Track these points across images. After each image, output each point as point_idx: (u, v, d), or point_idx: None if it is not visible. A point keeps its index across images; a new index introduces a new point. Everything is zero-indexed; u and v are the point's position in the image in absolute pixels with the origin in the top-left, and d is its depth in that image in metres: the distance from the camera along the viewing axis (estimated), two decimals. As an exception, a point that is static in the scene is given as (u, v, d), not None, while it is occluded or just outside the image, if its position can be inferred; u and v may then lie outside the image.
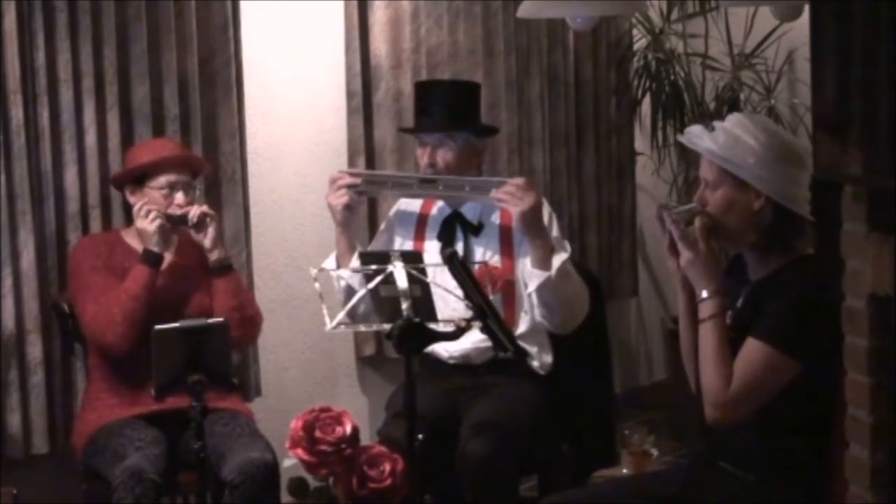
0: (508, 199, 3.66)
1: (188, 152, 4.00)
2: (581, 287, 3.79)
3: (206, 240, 3.81)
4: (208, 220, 3.80)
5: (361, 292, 3.43)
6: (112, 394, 3.74)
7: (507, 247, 3.83)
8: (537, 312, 3.74)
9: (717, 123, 2.99)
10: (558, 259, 3.69)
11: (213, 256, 3.83)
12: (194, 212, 3.78)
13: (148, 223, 3.73)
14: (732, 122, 2.97)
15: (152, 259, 3.72)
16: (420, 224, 3.92)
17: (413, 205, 3.98)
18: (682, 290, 3.05)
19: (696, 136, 2.98)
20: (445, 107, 3.85)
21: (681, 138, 3.09)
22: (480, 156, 3.94)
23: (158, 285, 3.73)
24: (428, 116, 3.88)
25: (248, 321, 3.88)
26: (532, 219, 3.66)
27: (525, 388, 3.79)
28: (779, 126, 3.13)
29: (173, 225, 3.78)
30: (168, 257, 3.84)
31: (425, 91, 3.98)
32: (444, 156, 3.83)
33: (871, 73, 2.47)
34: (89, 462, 3.67)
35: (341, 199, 3.80)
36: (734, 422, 2.85)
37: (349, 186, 3.80)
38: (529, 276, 3.71)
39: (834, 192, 2.89)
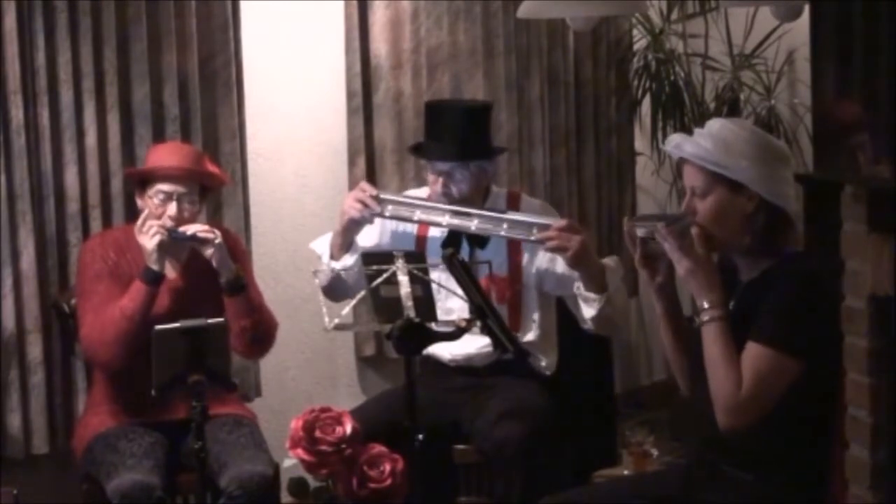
0: (556, 245, 3.61)
1: (192, 166, 3.70)
2: (622, 288, 3.80)
3: (212, 261, 3.67)
4: (207, 242, 3.63)
5: (362, 293, 3.43)
6: (114, 399, 3.72)
7: (513, 258, 3.82)
8: (590, 325, 3.73)
9: (697, 130, 2.98)
10: (610, 277, 3.69)
11: (222, 279, 3.68)
12: (191, 230, 3.63)
13: (147, 239, 3.60)
14: (717, 128, 2.94)
15: (151, 277, 3.60)
16: (418, 248, 3.84)
17: (408, 224, 3.89)
18: (658, 300, 3.08)
19: (682, 144, 2.96)
20: (457, 134, 3.77)
21: (665, 148, 3.08)
22: (491, 178, 3.90)
23: (165, 301, 3.67)
24: (440, 143, 3.79)
25: (259, 341, 3.77)
26: (584, 260, 3.62)
27: (526, 388, 3.79)
28: (756, 127, 3.13)
29: (175, 241, 3.63)
30: (175, 272, 3.76)
31: (437, 115, 3.87)
32: (458, 186, 3.76)
33: (871, 74, 2.48)
34: (87, 468, 3.66)
35: (352, 211, 3.74)
36: (745, 427, 2.84)
37: (366, 206, 3.72)
38: (586, 299, 3.69)
39: (834, 192, 2.89)
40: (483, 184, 3.85)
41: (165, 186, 3.66)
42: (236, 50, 4.35)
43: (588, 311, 3.69)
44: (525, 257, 3.83)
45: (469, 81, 4.92)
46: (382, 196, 3.78)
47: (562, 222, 3.66)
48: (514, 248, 3.83)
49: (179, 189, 3.66)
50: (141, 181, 3.73)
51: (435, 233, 3.87)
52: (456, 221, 3.75)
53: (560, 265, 3.76)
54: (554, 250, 3.64)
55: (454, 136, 3.77)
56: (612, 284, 3.68)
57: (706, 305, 2.87)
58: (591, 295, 3.67)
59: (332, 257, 3.83)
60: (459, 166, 3.77)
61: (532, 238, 3.67)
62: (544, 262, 3.81)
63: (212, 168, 3.82)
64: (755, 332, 2.85)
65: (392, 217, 3.81)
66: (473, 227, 3.73)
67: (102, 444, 3.62)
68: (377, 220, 3.84)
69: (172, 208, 3.65)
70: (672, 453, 4.03)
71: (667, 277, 3.00)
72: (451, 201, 3.77)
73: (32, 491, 3.87)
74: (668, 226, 2.90)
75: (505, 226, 3.71)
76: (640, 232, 2.97)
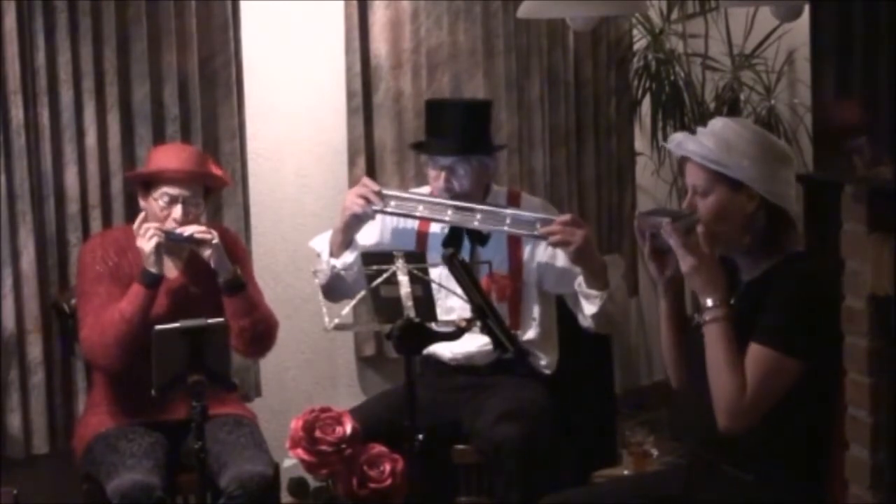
0: (559, 239, 3.61)
1: (197, 169, 3.70)
2: (623, 286, 3.80)
3: (210, 261, 3.66)
4: (204, 242, 3.62)
5: (362, 293, 3.43)
6: (114, 399, 3.72)
7: (514, 255, 3.82)
8: (590, 322, 3.73)
9: (700, 129, 2.98)
10: (611, 274, 3.69)
11: (220, 279, 3.67)
12: (188, 231, 3.61)
13: (145, 242, 3.59)
14: (719, 127, 2.95)
15: (149, 280, 3.59)
16: (419, 244, 3.86)
17: (409, 220, 3.89)
18: (664, 295, 3.08)
19: (684, 142, 2.97)
20: (459, 130, 3.77)
21: (667, 146, 3.08)
22: (492, 175, 3.91)
23: (165, 301, 3.67)
24: (441, 138, 3.80)
25: (258, 340, 3.76)
26: (587, 254, 3.63)
27: (526, 388, 3.79)
28: (759, 127, 3.14)
29: (174, 242, 3.63)
30: (177, 270, 3.76)
31: (438, 112, 3.89)
32: (459, 181, 3.76)
33: (871, 74, 2.48)
34: (88, 468, 3.66)
35: (355, 207, 3.74)
36: (746, 429, 2.84)
37: (369, 201, 3.72)
38: (587, 295, 3.69)
39: (834, 192, 2.89)
40: (484, 180, 3.85)
41: (171, 189, 3.65)
42: (236, 50, 4.35)
43: (589, 308, 3.69)
44: (525, 254, 3.83)
45: (469, 81, 4.92)
46: (385, 192, 3.78)
47: (565, 217, 3.66)
48: (514, 245, 3.83)
49: (184, 192, 3.65)
50: (144, 183, 3.72)
51: (436, 229, 3.87)
52: (459, 217, 3.75)
53: (560, 260, 3.76)
54: (557, 245, 3.64)
55: (455, 131, 3.78)
56: (612, 281, 3.68)
57: (710, 304, 2.87)
58: (593, 291, 3.67)
59: (332, 255, 3.82)
60: (461, 161, 3.77)
61: (535, 233, 3.67)
62: (544, 258, 3.81)
63: (215, 170, 3.81)
64: (757, 333, 2.85)
65: (394, 213, 3.80)
66: (476, 223, 3.73)
67: (102, 444, 3.62)
68: (378, 218, 3.84)
69: (177, 211, 3.64)
70: (672, 453, 4.02)
71: (676, 272, 2.99)
72: (453, 196, 3.78)
73: (32, 491, 3.88)
74: (674, 222, 2.90)
75: (508, 221, 3.71)
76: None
